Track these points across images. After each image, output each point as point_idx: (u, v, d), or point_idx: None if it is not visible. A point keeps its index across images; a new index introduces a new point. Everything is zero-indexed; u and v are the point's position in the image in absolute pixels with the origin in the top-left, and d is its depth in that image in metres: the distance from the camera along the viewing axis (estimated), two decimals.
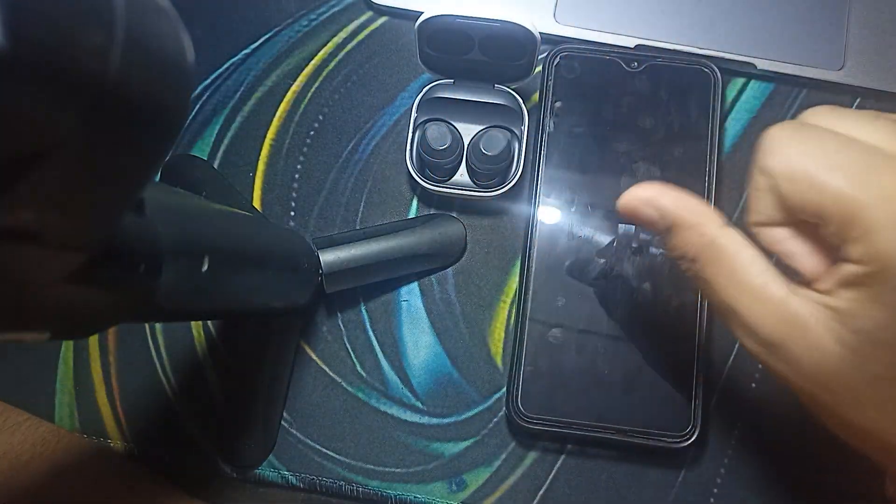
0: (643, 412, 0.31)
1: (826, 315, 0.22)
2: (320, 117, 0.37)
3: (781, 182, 0.23)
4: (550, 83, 0.35)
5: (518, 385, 0.32)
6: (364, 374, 0.34)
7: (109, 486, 0.33)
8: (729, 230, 0.24)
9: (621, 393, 0.32)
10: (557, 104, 0.35)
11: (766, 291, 0.22)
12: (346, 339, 0.35)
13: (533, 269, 0.33)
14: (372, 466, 0.33)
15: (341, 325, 0.35)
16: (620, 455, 0.33)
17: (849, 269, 0.21)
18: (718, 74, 0.35)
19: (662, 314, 0.33)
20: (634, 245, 0.33)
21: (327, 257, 0.32)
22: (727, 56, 0.36)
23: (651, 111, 0.34)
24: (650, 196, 0.25)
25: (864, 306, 0.21)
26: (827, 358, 0.22)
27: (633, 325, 0.32)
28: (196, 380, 0.34)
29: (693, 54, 0.36)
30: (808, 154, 0.22)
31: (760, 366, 0.33)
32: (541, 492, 0.32)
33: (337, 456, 0.33)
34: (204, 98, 0.38)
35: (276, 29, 0.38)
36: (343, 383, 0.34)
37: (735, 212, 0.35)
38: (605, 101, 0.35)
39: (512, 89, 0.34)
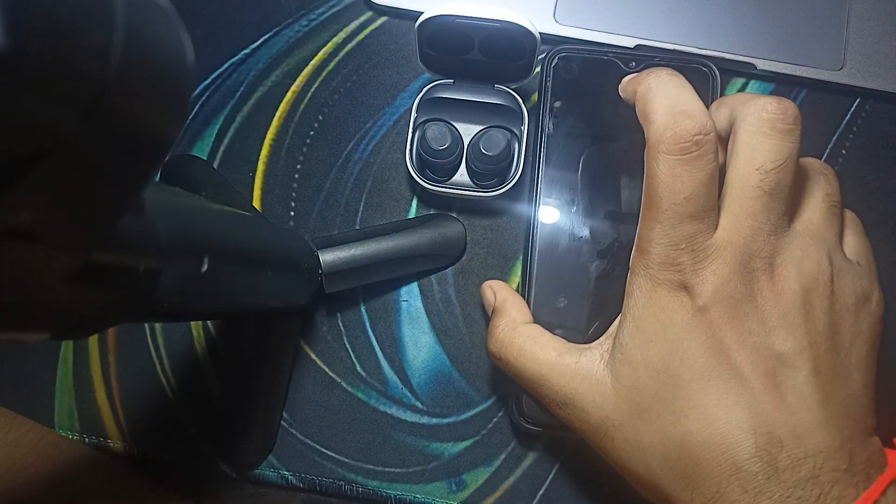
0: None
1: (603, 355, 0.27)
2: (320, 117, 0.37)
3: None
4: (548, 84, 0.35)
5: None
6: (364, 374, 0.34)
7: (112, 499, 0.33)
8: (530, 323, 0.29)
9: None
10: (556, 105, 0.35)
11: (560, 360, 0.27)
12: (346, 339, 0.35)
13: (534, 269, 0.33)
14: (372, 466, 0.33)
15: (341, 325, 0.35)
16: None
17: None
18: (716, 73, 0.35)
19: None
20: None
21: (327, 257, 0.32)
22: (727, 56, 0.36)
23: None
24: (493, 287, 0.32)
25: (628, 339, 0.26)
26: (605, 397, 0.26)
27: None
28: (196, 380, 0.34)
29: (692, 54, 0.36)
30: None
31: None
32: (541, 492, 0.32)
33: (337, 456, 0.33)
34: (204, 98, 0.38)
35: (276, 29, 0.38)
36: (343, 383, 0.34)
37: None
38: (604, 102, 0.35)
39: (512, 89, 0.34)
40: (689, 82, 0.27)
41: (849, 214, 0.29)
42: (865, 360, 0.25)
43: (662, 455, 0.24)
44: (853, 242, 0.28)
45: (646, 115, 0.26)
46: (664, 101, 0.26)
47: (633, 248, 0.27)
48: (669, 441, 0.24)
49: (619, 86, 0.30)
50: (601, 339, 0.28)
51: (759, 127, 0.25)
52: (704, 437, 0.24)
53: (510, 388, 0.32)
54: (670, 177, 0.25)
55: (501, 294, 0.31)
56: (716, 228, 0.25)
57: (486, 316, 0.32)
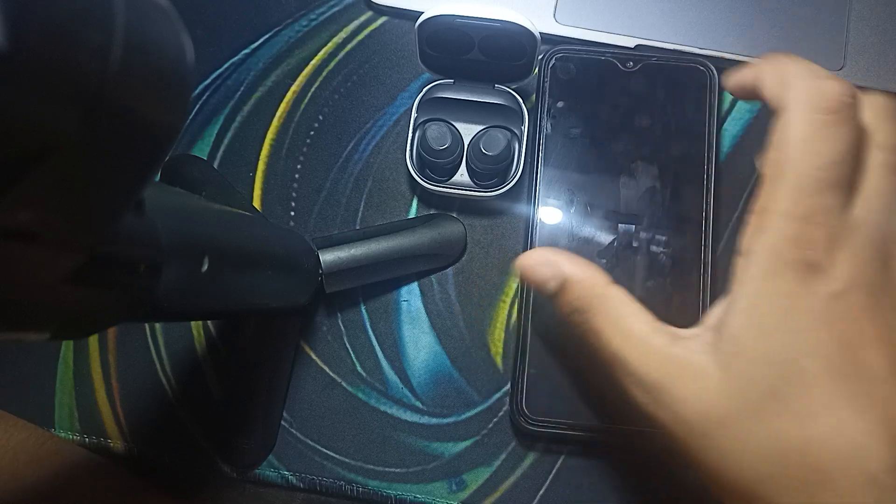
0: None
1: (705, 346, 0.23)
2: (320, 117, 0.37)
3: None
4: (546, 84, 0.35)
5: (522, 387, 0.32)
6: (364, 374, 0.34)
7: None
8: (616, 286, 0.25)
9: None
10: (554, 105, 0.35)
11: (650, 338, 0.24)
12: (346, 339, 0.35)
13: None
14: (372, 466, 0.33)
15: (341, 325, 0.35)
16: (621, 455, 0.33)
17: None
18: (715, 73, 0.35)
19: (663, 313, 0.33)
20: (635, 245, 0.33)
21: (327, 257, 0.32)
22: (727, 56, 0.36)
23: (648, 111, 0.34)
24: (546, 257, 0.27)
25: (741, 329, 0.22)
26: (708, 390, 0.22)
27: None
28: (196, 380, 0.34)
29: (691, 54, 0.36)
30: None
31: None
32: (541, 492, 0.32)
33: (337, 456, 0.33)
34: (204, 98, 0.38)
35: (276, 29, 0.38)
36: (343, 383, 0.34)
37: (735, 211, 0.35)
38: (602, 102, 0.35)
39: (512, 89, 0.34)
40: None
41: None
42: None
43: (777, 460, 0.21)
44: None
45: (783, 76, 0.24)
46: (805, 65, 0.24)
47: (748, 227, 0.23)
48: (788, 445, 0.21)
49: (731, 78, 0.26)
50: (696, 329, 0.24)
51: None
52: (834, 443, 0.21)
53: (513, 389, 0.32)
54: (814, 138, 0.22)
55: (565, 260, 0.26)
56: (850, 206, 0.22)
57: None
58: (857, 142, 0.23)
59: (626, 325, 0.24)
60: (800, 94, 0.23)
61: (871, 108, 0.24)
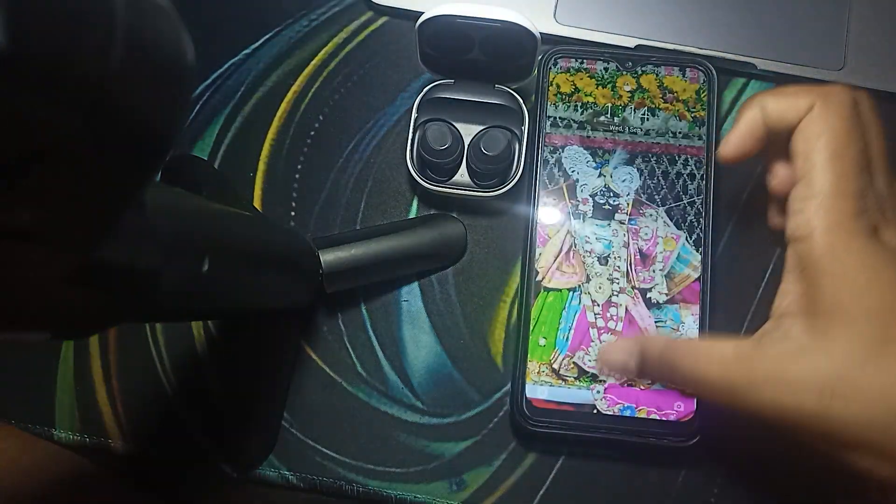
0: (647, 412, 0.31)
1: (789, 332, 0.26)
2: (321, 117, 0.37)
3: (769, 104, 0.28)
4: (546, 85, 0.35)
5: (522, 387, 0.32)
6: (364, 374, 0.34)
7: None
8: (679, 339, 0.30)
9: (625, 393, 0.32)
10: (554, 105, 0.35)
11: (739, 351, 0.26)
12: (346, 339, 0.35)
13: (534, 269, 0.33)
14: (372, 466, 0.33)
15: (341, 325, 0.35)
16: (621, 455, 0.33)
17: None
18: (714, 72, 0.35)
19: (664, 313, 0.33)
20: (635, 244, 0.33)
21: (327, 257, 0.32)
22: (727, 56, 0.36)
23: (647, 111, 0.34)
24: (617, 343, 0.32)
25: (832, 299, 0.25)
26: (819, 363, 0.25)
27: (634, 323, 0.32)
28: (196, 380, 0.34)
29: (691, 54, 0.36)
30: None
31: None
32: (541, 492, 0.32)
33: (337, 456, 0.33)
34: (204, 98, 0.38)
35: (277, 29, 0.38)
36: (343, 383, 0.34)
37: (735, 212, 0.35)
38: (601, 102, 0.35)
39: (512, 89, 0.34)
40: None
41: None
42: None
43: None
44: None
45: (785, 99, 0.28)
46: (800, 86, 0.29)
47: (795, 216, 0.27)
48: None
49: (728, 146, 0.30)
50: (767, 325, 0.27)
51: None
52: None
53: (514, 389, 0.32)
54: (852, 130, 0.26)
55: (630, 339, 0.31)
56: None
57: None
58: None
59: (709, 355, 0.27)
60: (826, 101, 0.27)
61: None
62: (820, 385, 0.24)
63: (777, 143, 0.29)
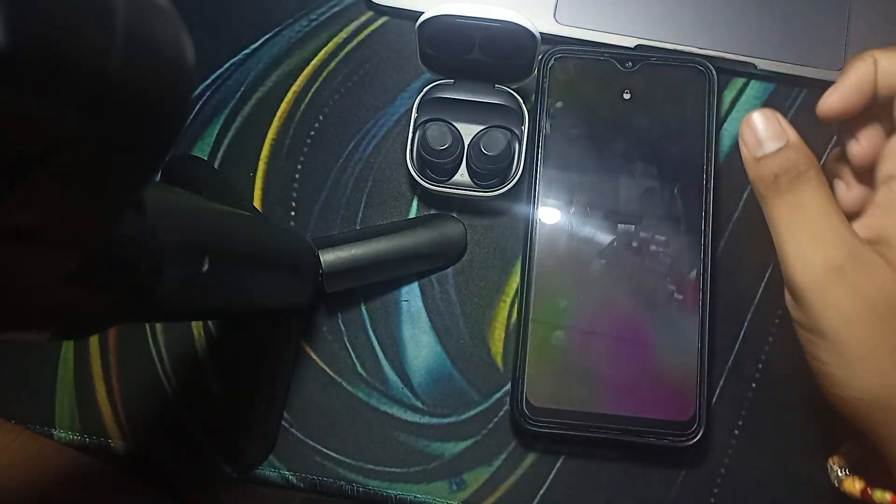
0: (647, 411, 0.31)
1: (880, 249, 0.25)
2: (321, 117, 0.37)
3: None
4: (545, 85, 0.35)
5: (522, 387, 0.32)
6: (364, 374, 0.34)
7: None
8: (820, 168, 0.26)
9: (625, 392, 0.32)
10: (554, 105, 0.35)
11: (844, 225, 0.25)
12: (346, 339, 0.35)
13: (534, 269, 0.33)
14: (372, 466, 0.33)
15: (341, 325, 0.35)
16: (621, 455, 0.33)
17: None
18: (713, 72, 0.35)
19: (664, 313, 0.33)
20: (635, 245, 0.33)
21: (327, 257, 0.32)
22: (727, 56, 0.36)
23: (647, 111, 0.34)
24: (776, 115, 0.28)
25: None
26: (887, 282, 0.24)
27: (634, 324, 0.32)
28: (196, 380, 0.34)
29: (691, 54, 0.36)
30: None
31: (760, 365, 0.33)
32: (541, 491, 0.32)
33: (337, 456, 0.33)
34: (204, 98, 0.38)
35: (277, 29, 0.38)
36: (343, 383, 0.34)
37: (735, 212, 0.35)
38: (601, 102, 0.35)
39: (512, 89, 0.34)
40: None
41: None
42: None
43: None
44: None
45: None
46: None
47: (887, 160, 0.26)
48: None
49: (830, 101, 0.28)
50: (859, 245, 0.25)
51: None
52: None
53: (514, 389, 0.32)
54: None
55: (794, 130, 0.27)
56: None
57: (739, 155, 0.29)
58: None
59: (829, 205, 0.25)
60: None
61: None
62: (875, 302, 0.24)
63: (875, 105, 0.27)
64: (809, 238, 0.25)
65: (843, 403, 0.25)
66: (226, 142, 0.37)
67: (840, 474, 0.30)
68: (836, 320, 0.24)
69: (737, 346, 0.34)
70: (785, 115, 0.36)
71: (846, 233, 0.25)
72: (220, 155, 0.37)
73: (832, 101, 0.27)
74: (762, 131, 0.27)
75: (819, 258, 0.25)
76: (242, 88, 0.38)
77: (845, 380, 0.25)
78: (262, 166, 0.37)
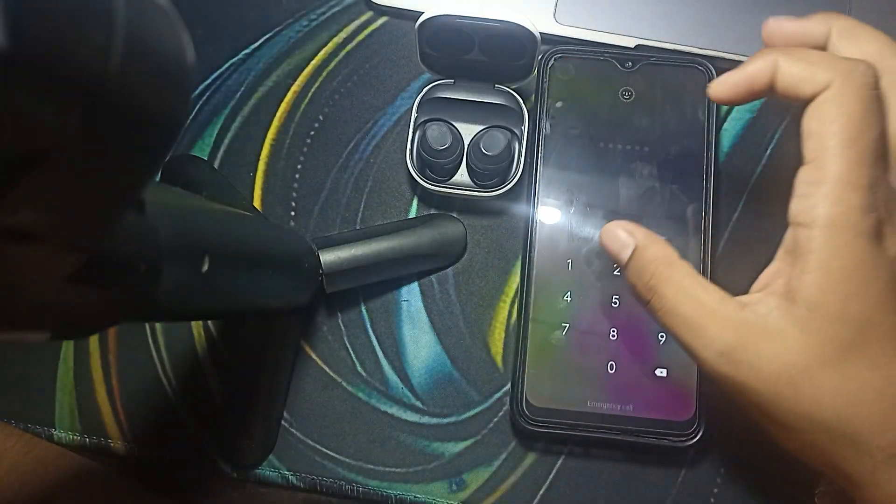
0: (647, 411, 0.31)
1: (773, 311, 0.25)
2: (320, 117, 0.37)
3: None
4: (545, 85, 0.35)
5: (522, 387, 0.32)
6: (364, 374, 0.34)
7: None
8: (684, 261, 0.27)
9: (625, 393, 0.32)
10: (554, 105, 0.35)
11: (720, 305, 0.25)
12: (346, 339, 0.35)
13: (534, 269, 0.33)
14: (372, 466, 0.33)
15: (341, 325, 0.35)
16: (621, 455, 0.33)
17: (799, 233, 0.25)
18: (713, 72, 0.35)
19: None
20: None
21: (327, 257, 0.32)
22: (727, 56, 0.36)
23: (646, 111, 0.34)
24: (624, 225, 0.28)
25: (820, 294, 0.24)
26: (787, 347, 0.24)
27: (634, 323, 0.32)
28: (196, 380, 0.34)
29: (691, 54, 0.36)
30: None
31: None
32: (541, 491, 0.32)
33: (337, 456, 0.33)
34: (204, 98, 0.38)
35: (277, 29, 0.38)
36: (343, 383, 0.34)
37: (735, 212, 0.35)
38: (601, 102, 0.35)
39: (512, 89, 0.35)
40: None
41: None
42: None
43: (856, 399, 0.24)
44: None
45: (806, 62, 0.26)
46: (821, 53, 0.27)
47: (798, 199, 0.25)
48: (866, 386, 0.24)
49: (720, 85, 0.28)
50: (757, 296, 0.26)
51: None
52: None
53: (514, 389, 0.32)
54: (869, 112, 0.24)
55: (641, 231, 0.28)
56: None
57: (606, 262, 0.30)
58: None
59: (696, 293, 0.26)
60: (847, 81, 0.24)
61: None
62: (779, 370, 0.24)
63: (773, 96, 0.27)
64: (692, 335, 0.25)
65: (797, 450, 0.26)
66: (226, 142, 0.37)
67: None
68: (750, 396, 0.25)
69: None
70: (784, 114, 0.36)
71: (725, 312, 0.25)
72: (219, 155, 0.37)
73: (720, 88, 0.28)
74: (612, 246, 0.28)
75: (708, 352, 0.25)
76: (242, 88, 0.38)
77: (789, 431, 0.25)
78: (261, 166, 0.37)
